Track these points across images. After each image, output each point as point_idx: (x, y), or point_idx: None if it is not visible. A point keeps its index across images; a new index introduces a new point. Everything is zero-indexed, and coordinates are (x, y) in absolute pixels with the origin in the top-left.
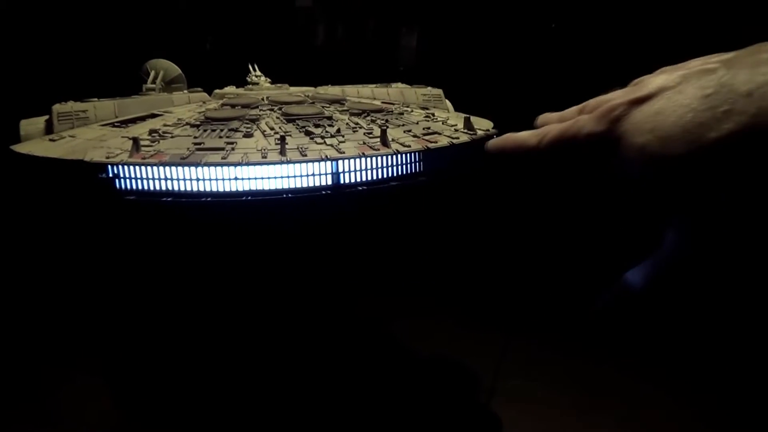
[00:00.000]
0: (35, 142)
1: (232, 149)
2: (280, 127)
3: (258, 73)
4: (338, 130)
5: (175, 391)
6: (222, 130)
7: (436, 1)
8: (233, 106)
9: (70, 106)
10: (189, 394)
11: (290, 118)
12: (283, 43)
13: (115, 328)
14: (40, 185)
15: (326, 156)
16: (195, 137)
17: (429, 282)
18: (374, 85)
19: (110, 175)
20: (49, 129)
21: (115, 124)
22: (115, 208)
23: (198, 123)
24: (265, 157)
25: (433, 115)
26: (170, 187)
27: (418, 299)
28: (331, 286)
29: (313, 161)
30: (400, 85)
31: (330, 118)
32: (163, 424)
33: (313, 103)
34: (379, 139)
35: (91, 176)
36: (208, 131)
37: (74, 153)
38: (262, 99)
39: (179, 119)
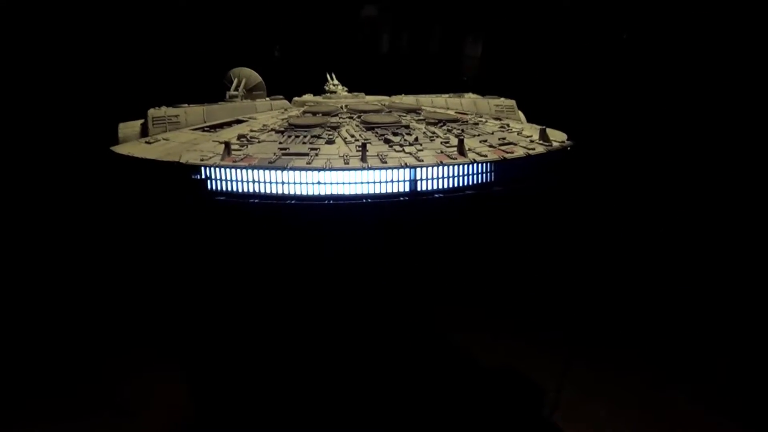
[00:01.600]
0: (132, 144)
1: (316, 155)
2: (360, 135)
3: (335, 81)
4: (416, 139)
5: (247, 390)
6: (305, 137)
7: (502, 11)
8: (314, 113)
9: (164, 111)
10: (261, 392)
11: (369, 126)
12: (351, 51)
13: (196, 324)
14: (138, 184)
15: (405, 163)
16: (280, 143)
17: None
18: (447, 95)
19: (202, 176)
20: (144, 132)
21: (205, 128)
22: (206, 207)
23: (282, 129)
24: (347, 163)
25: (508, 125)
26: (257, 190)
27: (479, 311)
28: (404, 292)
29: (393, 168)
30: (472, 95)
31: (407, 126)
32: (234, 420)
33: (390, 112)
34: (456, 149)
35: (185, 177)
36: (292, 137)
37: (170, 155)
38: (341, 107)
39: (264, 125)
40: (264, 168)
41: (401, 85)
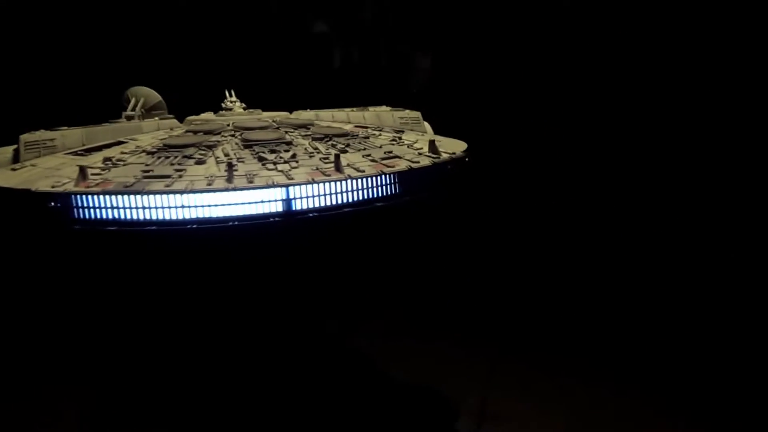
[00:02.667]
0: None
1: (180, 176)
2: (235, 153)
3: (233, 98)
4: (293, 156)
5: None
6: (176, 157)
7: (451, 25)
8: (196, 132)
9: (39, 135)
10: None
11: (248, 144)
12: (265, 67)
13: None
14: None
15: (274, 182)
16: (147, 164)
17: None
18: (350, 109)
19: (58, 204)
20: (16, 158)
21: (79, 152)
22: (63, 236)
23: (154, 150)
24: (211, 185)
25: (400, 138)
26: (116, 216)
27: (400, 319)
28: (289, 311)
29: (259, 188)
30: (378, 108)
31: (289, 143)
32: None
33: (278, 128)
34: (333, 165)
35: (41, 205)
36: (162, 158)
37: (27, 182)
38: (228, 125)
39: (137, 146)
40: (118, 193)
41: (346, 100)
